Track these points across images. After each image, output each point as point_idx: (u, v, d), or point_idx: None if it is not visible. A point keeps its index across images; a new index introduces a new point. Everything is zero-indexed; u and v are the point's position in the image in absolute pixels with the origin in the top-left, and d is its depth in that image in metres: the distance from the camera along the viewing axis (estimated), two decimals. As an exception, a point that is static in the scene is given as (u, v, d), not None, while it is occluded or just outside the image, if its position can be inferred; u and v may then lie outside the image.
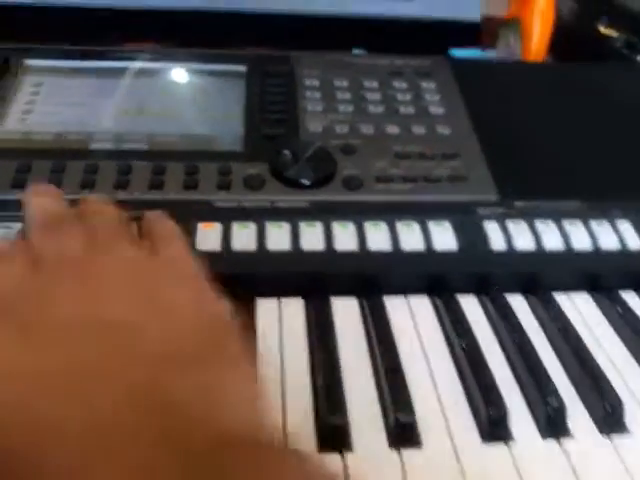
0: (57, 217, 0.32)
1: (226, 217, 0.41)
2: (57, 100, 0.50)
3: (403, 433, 0.31)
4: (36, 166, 0.43)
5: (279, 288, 0.40)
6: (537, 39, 0.78)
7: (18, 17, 0.56)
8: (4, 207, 0.41)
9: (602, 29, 0.82)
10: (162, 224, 0.35)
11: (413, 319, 0.40)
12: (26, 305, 0.25)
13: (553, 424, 0.33)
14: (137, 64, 0.53)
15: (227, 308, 0.28)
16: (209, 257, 0.38)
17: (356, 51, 0.62)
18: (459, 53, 0.65)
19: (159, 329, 0.25)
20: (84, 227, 0.31)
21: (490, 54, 0.77)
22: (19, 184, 0.42)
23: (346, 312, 0.40)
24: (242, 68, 0.53)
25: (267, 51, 0.58)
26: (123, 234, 0.32)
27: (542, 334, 0.40)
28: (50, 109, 0.49)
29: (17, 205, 0.40)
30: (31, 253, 0.29)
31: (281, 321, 0.39)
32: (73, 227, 0.31)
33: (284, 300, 0.40)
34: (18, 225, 0.39)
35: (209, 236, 0.40)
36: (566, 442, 0.32)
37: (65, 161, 0.44)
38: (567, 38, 0.83)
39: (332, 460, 0.30)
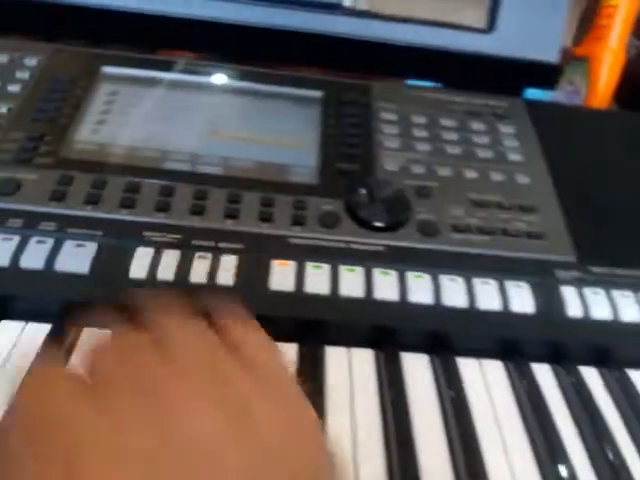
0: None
1: (300, 255, 0.41)
2: (132, 111, 0.49)
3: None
4: (111, 182, 0.42)
5: (349, 337, 0.39)
6: (605, 80, 0.76)
7: (96, 20, 0.54)
8: (77, 223, 0.40)
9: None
10: (255, 333, 0.30)
11: (485, 384, 0.38)
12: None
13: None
14: (214, 80, 0.52)
15: (327, 439, 0.26)
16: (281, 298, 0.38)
17: (428, 83, 0.60)
18: (531, 93, 0.63)
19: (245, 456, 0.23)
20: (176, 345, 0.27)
21: (553, 93, 0.75)
22: (93, 200, 0.41)
23: (417, 369, 0.39)
24: (318, 94, 0.52)
25: (342, 76, 0.56)
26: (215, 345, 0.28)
27: (614, 410, 0.39)
28: (124, 120, 0.48)
29: (90, 222, 0.40)
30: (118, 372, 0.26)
31: (351, 373, 0.38)
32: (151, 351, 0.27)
33: (354, 350, 0.39)
34: (93, 244, 0.39)
35: (284, 275, 0.39)
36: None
37: (139, 179, 0.43)
38: (633, 84, 0.81)
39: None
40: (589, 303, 0.42)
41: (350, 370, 0.38)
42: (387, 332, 0.39)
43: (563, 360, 0.41)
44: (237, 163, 0.46)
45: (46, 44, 0.53)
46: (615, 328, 0.41)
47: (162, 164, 0.45)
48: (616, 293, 0.42)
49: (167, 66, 0.52)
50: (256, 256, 0.40)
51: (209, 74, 0.52)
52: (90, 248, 0.39)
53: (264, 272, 0.39)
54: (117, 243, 0.40)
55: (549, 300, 0.41)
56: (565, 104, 0.64)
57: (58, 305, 0.38)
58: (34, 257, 0.38)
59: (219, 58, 0.57)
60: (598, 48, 0.77)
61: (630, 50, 0.87)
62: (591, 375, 0.40)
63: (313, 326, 0.39)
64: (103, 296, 0.37)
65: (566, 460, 0.34)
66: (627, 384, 0.40)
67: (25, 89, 0.48)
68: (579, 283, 0.43)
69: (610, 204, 0.48)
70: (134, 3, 0.54)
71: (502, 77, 0.60)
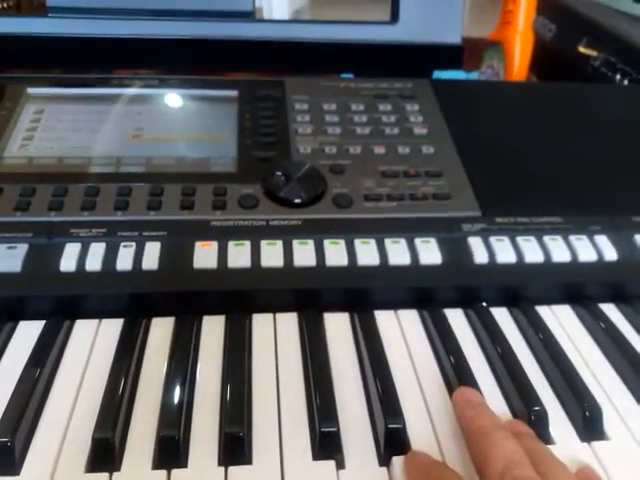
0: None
1: (222, 236, 0.43)
2: (57, 126, 0.51)
3: (393, 436, 0.33)
4: (39, 189, 0.45)
5: (274, 304, 0.42)
6: (519, 60, 0.81)
7: (18, 47, 0.58)
8: (7, 229, 0.42)
9: (581, 49, 0.85)
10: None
11: (402, 332, 0.41)
12: None
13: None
14: (133, 91, 0.55)
15: None
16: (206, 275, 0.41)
17: (344, 75, 0.64)
18: (443, 76, 0.67)
19: None
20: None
21: (474, 76, 0.80)
22: (22, 207, 0.44)
23: (337, 325, 0.42)
24: (234, 93, 0.56)
25: (257, 76, 0.60)
26: None
27: (525, 345, 0.42)
28: (51, 135, 0.51)
29: (19, 227, 0.43)
30: None
31: (276, 336, 0.40)
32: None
33: (279, 315, 0.42)
34: (23, 245, 0.41)
35: (207, 254, 0.42)
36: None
37: (67, 184, 0.46)
38: (548, 58, 0.86)
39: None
40: (495, 250, 0.45)
41: (275, 333, 0.41)
42: (308, 295, 0.42)
43: (475, 303, 0.44)
44: (159, 161, 0.49)
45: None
46: (520, 270, 0.45)
47: (87, 169, 0.48)
48: (519, 239, 0.46)
49: (89, 82, 0.56)
50: (179, 240, 0.43)
51: (130, 85, 0.55)
52: (21, 249, 0.41)
53: (188, 254, 0.42)
54: (46, 242, 0.42)
55: (457, 251, 0.45)
56: (466, 80, 0.68)
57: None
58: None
59: (145, 71, 0.61)
60: (509, 32, 0.82)
61: (545, 33, 0.94)
62: (501, 314, 0.44)
63: (239, 297, 0.42)
64: (36, 291, 0.40)
65: (477, 386, 0.37)
66: (535, 318, 0.43)
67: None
68: (485, 233, 0.46)
69: (510, 163, 0.53)
70: (49, 27, 0.57)
71: (411, 62, 0.65)
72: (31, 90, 0.54)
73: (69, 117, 0.53)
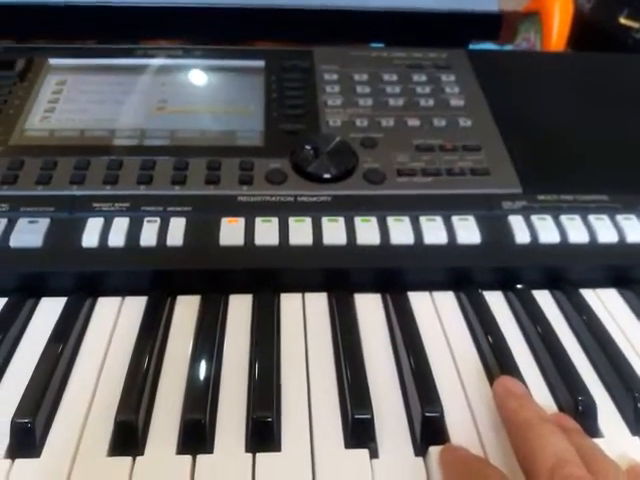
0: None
1: (249, 212, 0.42)
2: (80, 98, 0.50)
3: (430, 425, 0.31)
4: (61, 163, 0.44)
5: (302, 283, 0.40)
6: (557, 32, 0.77)
7: (40, 16, 0.56)
8: (28, 203, 0.41)
9: (622, 20, 0.81)
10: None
11: (438, 315, 0.39)
12: None
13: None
14: (157, 61, 0.53)
15: None
16: (232, 252, 0.39)
17: (374, 45, 0.61)
18: (478, 47, 0.64)
19: None
20: None
21: (509, 49, 0.76)
22: (43, 180, 0.42)
23: (369, 307, 0.40)
24: (261, 63, 0.53)
25: (284, 46, 0.58)
26: None
27: (569, 331, 0.39)
28: (73, 107, 0.49)
29: (40, 201, 0.41)
30: None
31: (305, 317, 0.39)
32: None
33: (308, 295, 0.40)
34: (45, 220, 0.40)
35: (233, 231, 0.40)
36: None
37: (89, 157, 0.44)
38: (587, 30, 0.82)
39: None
40: (537, 229, 0.42)
41: (304, 314, 0.39)
42: (338, 275, 0.40)
43: (515, 285, 0.41)
44: (184, 134, 0.47)
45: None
46: (563, 251, 0.42)
47: (110, 142, 0.46)
48: (563, 218, 0.43)
49: (112, 53, 0.54)
50: (204, 216, 0.41)
51: (154, 56, 0.53)
52: (42, 224, 0.40)
53: (213, 230, 0.40)
54: (68, 216, 0.41)
55: (497, 230, 0.42)
56: (504, 50, 0.65)
57: (14, 280, 0.39)
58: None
59: (170, 42, 0.59)
60: (547, 2, 0.78)
61: (583, 3, 0.89)
62: (543, 297, 0.41)
63: (266, 275, 0.40)
64: (57, 267, 0.39)
65: (519, 375, 0.35)
66: (579, 302, 0.40)
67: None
68: (526, 211, 0.43)
69: (552, 137, 0.49)
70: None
71: (445, 32, 0.61)
72: (53, 61, 0.53)
73: (92, 88, 0.51)
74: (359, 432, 0.31)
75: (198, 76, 0.53)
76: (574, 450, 0.28)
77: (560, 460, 0.26)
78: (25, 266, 0.39)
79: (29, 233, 0.39)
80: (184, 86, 0.52)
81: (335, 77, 0.52)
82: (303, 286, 0.40)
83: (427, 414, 0.31)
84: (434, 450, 0.30)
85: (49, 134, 0.47)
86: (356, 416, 0.31)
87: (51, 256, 0.39)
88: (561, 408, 0.33)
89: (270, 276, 0.40)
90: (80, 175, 0.43)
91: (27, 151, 0.45)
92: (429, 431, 0.31)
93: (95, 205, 0.41)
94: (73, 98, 0.50)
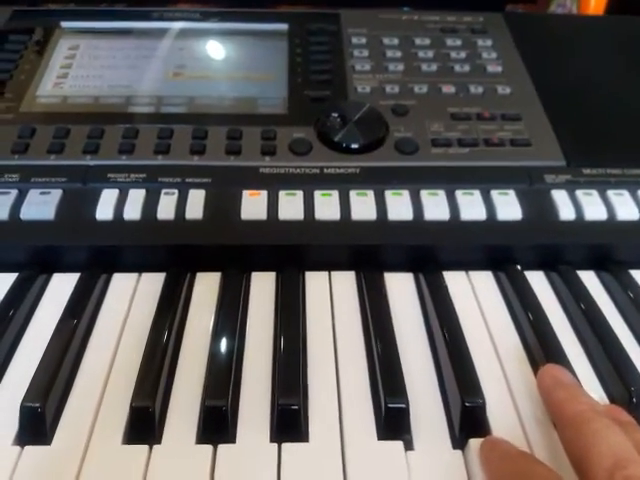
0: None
1: (272, 184, 0.39)
2: (93, 63, 0.47)
3: (471, 416, 0.29)
4: (74, 131, 0.41)
5: (329, 261, 0.38)
6: (595, -2, 0.73)
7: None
8: (40, 173, 0.39)
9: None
10: None
11: (476, 297, 0.37)
12: None
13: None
14: (174, 25, 0.50)
15: None
16: (254, 227, 0.37)
17: (405, 9, 0.57)
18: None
19: None
20: None
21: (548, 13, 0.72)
22: (55, 149, 0.40)
23: (400, 287, 0.37)
24: (284, 27, 0.50)
25: (309, 9, 0.54)
26: None
27: (618, 314, 0.36)
28: (87, 72, 0.46)
29: (52, 171, 0.39)
30: None
31: (332, 297, 0.36)
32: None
33: (334, 273, 0.38)
34: (57, 191, 0.38)
35: (255, 204, 0.38)
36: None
37: (103, 125, 0.42)
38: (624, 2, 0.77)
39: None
40: (582, 205, 0.39)
41: (331, 294, 0.36)
42: (368, 252, 0.38)
43: (558, 264, 0.38)
44: (202, 101, 0.44)
45: (4, 7, 0.52)
46: (611, 228, 0.39)
47: (125, 109, 0.43)
48: (610, 193, 0.40)
49: (127, 16, 0.51)
50: (225, 188, 0.39)
51: (171, 19, 0.50)
52: (55, 195, 0.38)
53: (235, 203, 0.38)
54: (82, 187, 0.38)
55: (539, 205, 0.39)
56: (545, 14, 0.60)
57: (25, 254, 0.37)
58: (-3, 208, 0.37)
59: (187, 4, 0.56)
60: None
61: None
62: (589, 278, 0.38)
63: (290, 252, 0.37)
64: (70, 241, 0.37)
65: (567, 363, 0.32)
66: (628, 283, 0.37)
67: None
68: (570, 186, 0.40)
69: (597, 107, 0.46)
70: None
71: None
72: (65, 24, 0.50)
73: (106, 53, 0.48)
74: (393, 422, 0.28)
75: (217, 40, 0.50)
76: (632, 446, 0.25)
77: (621, 459, 0.24)
78: (36, 240, 0.37)
79: (40, 205, 0.37)
80: (202, 51, 0.49)
81: (364, 41, 0.49)
82: (330, 264, 0.38)
83: (467, 404, 0.28)
84: (474, 443, 0.28)
85: (62, 101, 0.44)
86: (390, 405, 0.28)
87: (63, 229, 0.37)
88: (612, 399, 0.31)
89: (294, 253, 0.37)
90: (94, 144, 0.40)
91: (38, 119, 0.42)
92: (469, 422, 0.29)
93: (110, 176, 0.39)
94: (87, 63, 0.47)
